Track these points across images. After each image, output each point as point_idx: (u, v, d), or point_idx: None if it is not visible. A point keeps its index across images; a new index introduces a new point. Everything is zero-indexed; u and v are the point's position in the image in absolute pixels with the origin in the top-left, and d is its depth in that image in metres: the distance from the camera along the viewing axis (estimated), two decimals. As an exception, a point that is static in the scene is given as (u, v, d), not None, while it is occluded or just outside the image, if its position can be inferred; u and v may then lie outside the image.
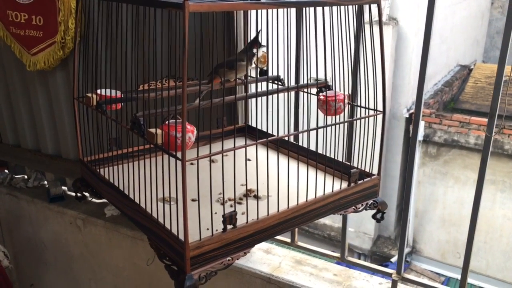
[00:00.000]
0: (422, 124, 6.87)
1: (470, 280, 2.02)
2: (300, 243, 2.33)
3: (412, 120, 6.57)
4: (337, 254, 2.26)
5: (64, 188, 2.94)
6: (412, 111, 7.03)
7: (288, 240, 2.35)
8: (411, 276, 2.06)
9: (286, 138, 1.79)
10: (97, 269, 2.82)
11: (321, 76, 1.50)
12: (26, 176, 3.08)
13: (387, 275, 2.13)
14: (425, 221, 7.29)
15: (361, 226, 7.44)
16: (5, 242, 3.13)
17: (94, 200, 2.75)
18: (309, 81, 1.65)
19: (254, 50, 1.60)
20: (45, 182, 3.04)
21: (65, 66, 2.40)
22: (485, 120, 6.51)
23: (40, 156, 2.71)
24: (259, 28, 1.66)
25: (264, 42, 1.60)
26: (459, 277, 6.51)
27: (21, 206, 2.97)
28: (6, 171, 3.11)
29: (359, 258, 7.49)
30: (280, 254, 2.35)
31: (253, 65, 1.63)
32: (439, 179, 7.08)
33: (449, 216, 7.09)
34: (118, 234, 2.61)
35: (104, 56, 1.55)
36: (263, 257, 2.31)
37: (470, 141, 6.68)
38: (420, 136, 6.89)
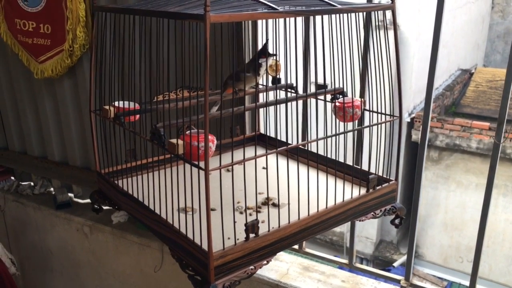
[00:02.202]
0: (423, 128, 6.87)
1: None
2: (307, 250, 2.33)
3: (413, 124, 6.52)
4: (345, 261, 2.27)
5: (70, 195, 2.94)
6: (413, 115, 7.04)
7: (296, 246, 2.35)
8: (419, 283, 2.06)
9: (304, 146, 1.79)
10: (104, 276, 2.82)
11: (329, 82, 1.51)
12: (32, 183, 3.09)
13: (395, 281, 2.13)
14: (427, 226, 7.28)
15: (363, 231, 7.44)
16: (12, 249, 3.13)
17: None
18: (316, 88, 1.66)
19: (261, 61, 1.59)
20: (52, 189, 3.04)
21: (73, 74, 2.41)
22: (486, 124, 6.53)
23: (47, 163, 2.72)
24: (269, 37, 1.67)
25: (277, 50, 1.61)
26: (461, 281, 6.44)
27: (27, 213, 2.98)
28: (13, 178, 3.12)
29: (361, 263, 7.49)
30: (287, 260, 2.35)
31: (261, 76, 1.63)
32: (441, 183, 7.08)
33: (451, 220, 7.09)
34: (125, 241, 2.62)
35: (117, 68, 1.55)
36: (271, 264, 2.31)
37: (472, 145, 6.69)
38: (422, 140, 6.89)
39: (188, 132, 1.28)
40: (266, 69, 1.65)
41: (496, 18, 9.90)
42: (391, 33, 1.61)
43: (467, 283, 1.95)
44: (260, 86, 1.79)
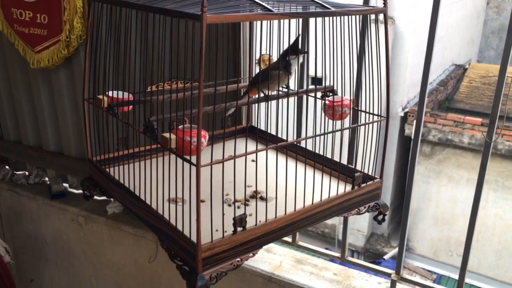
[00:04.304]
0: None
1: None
2: (300, 243, 2.37)
3: (407, 119, 6.55)
4: (337, 254, 2.30)
5: (65, 185, 2.95)
6: (407, 109, 7.09)
7: (289, 239, 2.38)
8: (410, 277, 2.10)
9: (296, 143, 1.82)
10: (98, 266, 2.84)
11: (320, 77, 1.53)
12: (27, 173, 3.09)
13: (386, 275, 2.17)
14: (418, 219, 7.36)
15: (354, 224, 7.51)
16: (6, 238, 3.14)
17: (96, 197, 2.77)
18: (315, 82, 1.68)
19: (291, 58, 1.52)
20: (46, 179, 3.05)
21: (69, 64, 2.41)
22: (479, 119, 6.58)
23: (42, 153, 2.72)
24: (263, 34, 1.67)
25: (271, 47, 1.62)
26: (451, 275, 6.51)
27: (22, 203, 2.98)
28: (7, 167, 3.12)
29: (352, 256, 7.57)
30: (281, 253, 2.38)
31: (293, 74, 1.56)
32: (433, 178, 7.15)
33: (442, 214, 7.17)
34: (119, 231, 2.64)
35: (112, 57, 1.56)
36: (264, 256, 2.35)
37: (464, 140, 6.75)
38: (415, 134, 6.94)
39: (181, 126, 1.29)
40: (298, 67, 1.58)
41: (491, 14, 9.94)
42: (382, 27, 1.62)
43: (456, 277, 2.00)
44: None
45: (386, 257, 7.31)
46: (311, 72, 1.52)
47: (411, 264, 7.32)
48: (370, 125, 1.58)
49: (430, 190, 7.20)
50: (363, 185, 1.63)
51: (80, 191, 2.91)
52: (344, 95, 1.63)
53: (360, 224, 7.55)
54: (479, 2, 9.47)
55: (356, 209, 1.66)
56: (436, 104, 7.57)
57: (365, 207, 1.68)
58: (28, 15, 2.35)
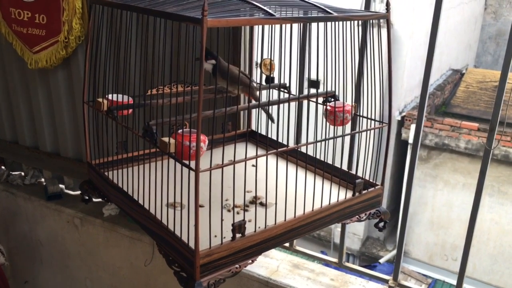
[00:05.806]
0: (413, 127, 6.95)
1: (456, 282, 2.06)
2: (298, 248, 2.36)
3: (403, 123, 6.55)
4: (335, 259, 2.30)
5: (61, 186, 2.93)
6: (404, 114, 7.10)
7: (286, 244, 2.38)
8: (408, 283, 2.10)
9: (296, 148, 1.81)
10: (93, 268, 2.82)
11: (322, 84, 1.52)
12: (23, 173, 3.07)
13: (383, 281, 2.17)
14: (414, 223, 7.37)
15: (350, 227, 7.51)
16: (1, 239, 3.11)
17: (93, 199, 2.75)
18: (309, 85, 1.67)
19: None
20: (43, 180, 3.03)
21: (67, 65, 2.40)
22: (475, 124, 6.60)
23: (38, 154, 2.70)
24: (264, 36, 1.66)
25: (273, 49, 1.61)
26: (446, 279, 6.50)
27: (17, 203, 2.96)
28: (3, 167, 3.10)
29: (348, 259, 7.57)
30: (278, 257, 2.37)
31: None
32: (429, 182, 7.16)
33: (438, 218, 7.18)
34: (116, 234, 2.62)
35: (112, 60, 1.55)
36: (261, 261, 2.34)
37: (461, 145, 6.77)
38: (411, 139, 6.97)
39: (180, 131, 1.28)
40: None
41: (488, 19, 9.98)
42: (384, 35, 1.62)
43: (451, 281, 1.99)
44: (255, 85, 1.78)
45: (381, 260, 7.31)
46: (312, 76, 1.52)
47: (406, 268, 7.33)
48: (374, 132, 1.57)
49: (426, 194, 7.21)
50: (364, 191, 1.62)
51: (76, 193, 2.90)
52: (346, 101, 1.63)
53: (356, 228, 7.55)
54: (476, 7, 9.50)
55: (357, 216, 1.64)
56: (433, 109, 7.59)
57: (365, 214, 1.67)
58: (26, 15, 2.34)
